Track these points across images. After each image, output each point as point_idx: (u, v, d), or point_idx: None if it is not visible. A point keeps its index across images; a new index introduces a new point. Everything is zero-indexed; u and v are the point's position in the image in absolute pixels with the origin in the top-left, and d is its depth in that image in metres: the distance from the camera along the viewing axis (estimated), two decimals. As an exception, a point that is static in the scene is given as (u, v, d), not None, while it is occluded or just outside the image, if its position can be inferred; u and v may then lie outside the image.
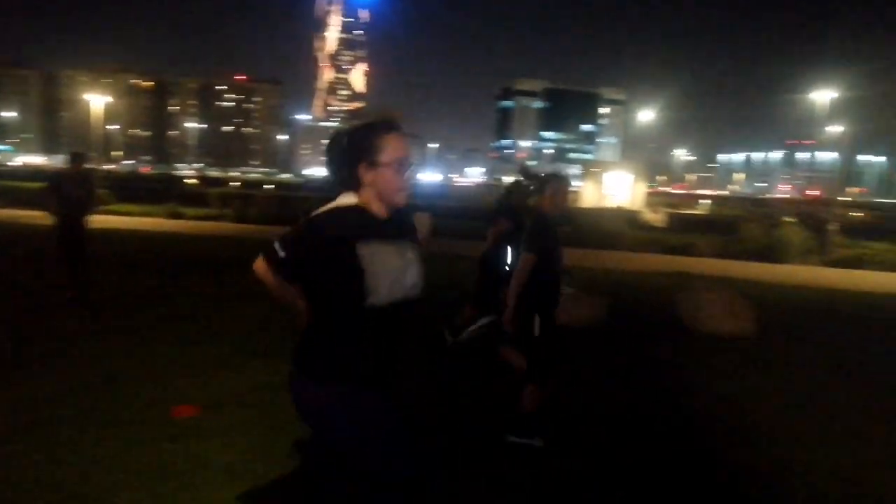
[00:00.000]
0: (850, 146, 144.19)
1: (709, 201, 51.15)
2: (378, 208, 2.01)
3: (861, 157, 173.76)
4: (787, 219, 24.06)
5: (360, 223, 1.96)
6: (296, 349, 2.02)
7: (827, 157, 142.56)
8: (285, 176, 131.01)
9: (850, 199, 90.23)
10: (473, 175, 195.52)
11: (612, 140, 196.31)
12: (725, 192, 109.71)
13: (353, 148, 1.99)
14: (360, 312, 1.92)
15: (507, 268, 5.33)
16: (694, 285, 8.16)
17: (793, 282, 12.13)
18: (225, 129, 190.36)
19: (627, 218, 23.18)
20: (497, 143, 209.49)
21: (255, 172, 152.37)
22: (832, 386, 5.47)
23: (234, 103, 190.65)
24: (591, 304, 7.17)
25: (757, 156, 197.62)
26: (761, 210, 35.74)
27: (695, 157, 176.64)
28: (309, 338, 2.00)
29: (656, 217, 26.80)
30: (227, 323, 6.46)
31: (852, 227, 26.29)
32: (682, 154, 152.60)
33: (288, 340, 2.80)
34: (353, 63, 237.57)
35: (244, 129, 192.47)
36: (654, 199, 42.21)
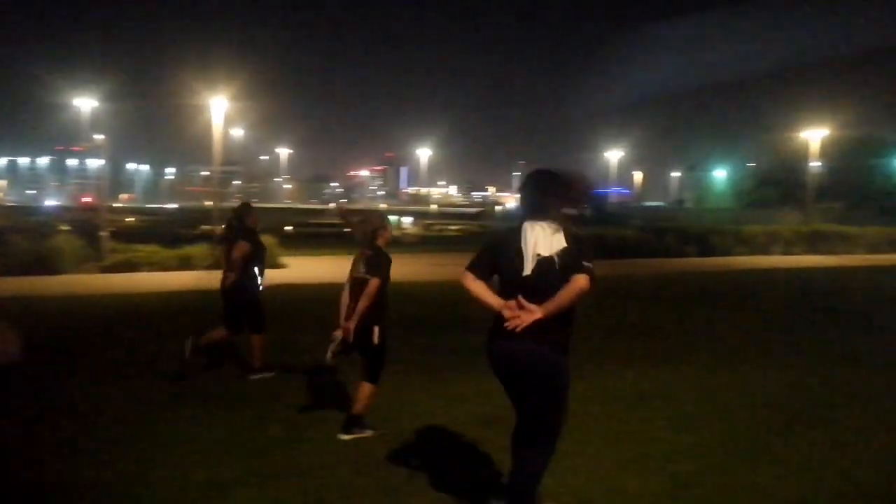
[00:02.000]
0: (116, 154, 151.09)
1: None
2: None
3: (129, 165, 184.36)
4: (63, 227, 23.21)
5: None
6: (546, 334, 2.90)
7: (97, 163, 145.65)
8: None
9: (122, 204, 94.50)
10: None
11: None
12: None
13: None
14: None
15: (259, 288, 5.90)
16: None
17: (69, 292, 11.74)
18: None
19: None
20: None
21: None
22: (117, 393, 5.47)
23: None
24: None
25: (24, 161, 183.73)
26: (33, 219, 33.41)
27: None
28: (561, 327, 2.97)
29: None
30: None
31: (126, 231, 27.53)
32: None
33: None
34: None
35: None
36: None
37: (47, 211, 54.91)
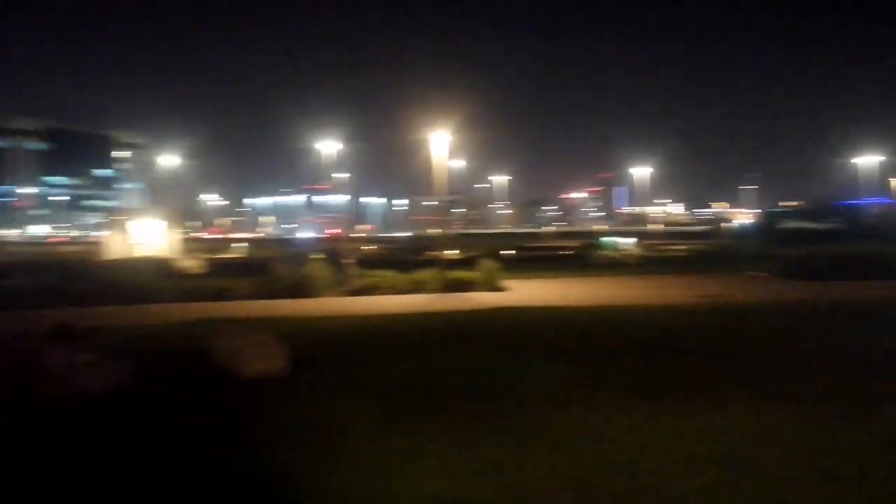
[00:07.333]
0: (356, 190, 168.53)
1: (245, 244, 52.62)
2: None
3: (365, 199, 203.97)
4: (314, 256, 26.55)
5: None
6: None
7: (338, 199, 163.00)
8: None
9: (361, 234, 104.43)
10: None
11: (136, 186, 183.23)
12: (260, 235, 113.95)
13: None
14: None
15: None
16: (227, 331, 8.19)
17: (322, 313, 13.39)
18: None
19: (160, 267, 22.04)
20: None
21: None
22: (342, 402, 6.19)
23: None
24: (110, 369, 6.52)
25: (282, 199, 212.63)
26: (292, 250, 38.48)
27: (226, 202, 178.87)
28: None
29: (193, 263, 26.20)
30: None
31: (366, 259, 30.58)
32: (212, 199, 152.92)
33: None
34: None
35: None
36: (190, 245, 41.27)
37: (302, 242, 62.68)
